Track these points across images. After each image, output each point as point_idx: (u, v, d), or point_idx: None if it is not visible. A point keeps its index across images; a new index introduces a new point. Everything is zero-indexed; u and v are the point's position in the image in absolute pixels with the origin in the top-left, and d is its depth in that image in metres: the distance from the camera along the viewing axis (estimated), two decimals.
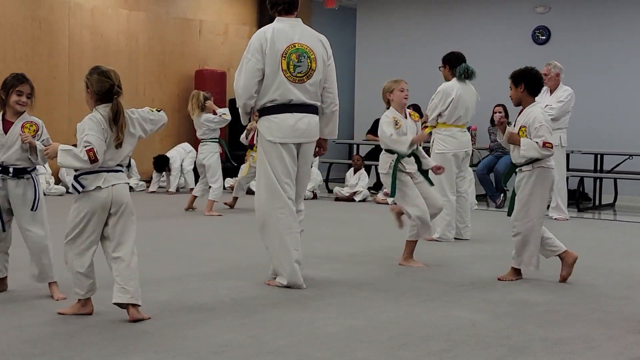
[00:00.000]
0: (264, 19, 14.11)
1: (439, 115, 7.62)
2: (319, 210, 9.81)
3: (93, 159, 4.21)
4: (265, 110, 5.31)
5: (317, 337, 4.10)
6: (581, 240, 8.00)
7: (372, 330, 4.26)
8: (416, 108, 12.65)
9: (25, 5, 11.23)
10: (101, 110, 4.33)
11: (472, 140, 10.26)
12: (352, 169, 11.90)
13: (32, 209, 4.83)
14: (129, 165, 11.91)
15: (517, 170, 5.65)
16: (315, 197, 11.33)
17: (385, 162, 6.23)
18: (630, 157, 10.77)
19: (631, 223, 9.50)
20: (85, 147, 4.21)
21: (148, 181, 12.46)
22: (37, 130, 4.88)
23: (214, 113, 9.28)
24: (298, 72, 5.30)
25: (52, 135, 4.92)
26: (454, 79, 7.66)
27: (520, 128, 5.59)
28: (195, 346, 3.89)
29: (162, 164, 12.04)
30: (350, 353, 3.84)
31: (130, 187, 11.62)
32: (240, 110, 5.42)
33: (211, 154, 9.36)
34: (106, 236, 4.40)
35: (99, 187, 4.31)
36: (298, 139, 5.29)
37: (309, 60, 5.37)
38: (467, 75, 7.63)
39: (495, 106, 11.51)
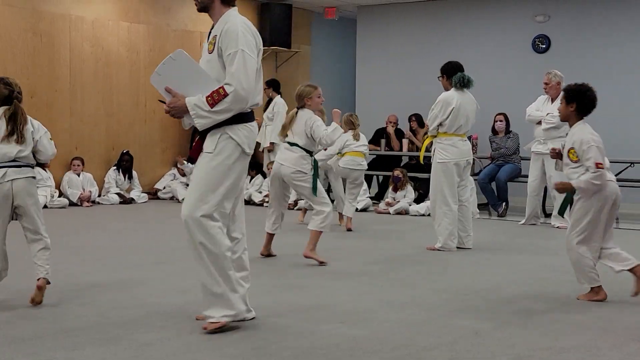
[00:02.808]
0: (263, 30, 14.15)
1: (440, 124, 7.64)
2: None
3: None
4: (244, 117, 4.40)
5: (320, 348, 4.09)
6: None
7: (376, 340, 4.25)
8: (418, 117, 12.69)
9: (26, 19, 11.26)
10: None
11: (473, 149, 10.29)
12: None
13: None
14: (130, 175, 11.92)
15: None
16: None
17: (307, 162, 6.77)
18: (632, 165, 10.76)
19: (634, 231, 9.49)
20: None
21: (151, 193, 12.46)
22: None
23: None
24: None
25: None
26: (453, 89, 7.68)
27: (569, 150, 5.37)
28: (199, 357, 3.88)
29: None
30: None
31: (132, 199, 11.86)
32: (225, 115, 4.28)
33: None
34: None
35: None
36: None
37: None
38: (463, 83, 7.66)
39: (497, 115, 11.53)
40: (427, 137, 7.91)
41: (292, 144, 6.85)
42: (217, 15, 4.52)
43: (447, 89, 7.75)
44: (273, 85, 12.63)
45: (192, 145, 4.48)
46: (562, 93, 5.54)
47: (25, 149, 4.97)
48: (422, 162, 8.46)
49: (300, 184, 6.78)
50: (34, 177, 5.03)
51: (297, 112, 6.92)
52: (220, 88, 4.22)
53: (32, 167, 5.04)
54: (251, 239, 8.07)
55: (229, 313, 4.32)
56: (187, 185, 12.22)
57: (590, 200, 5.27)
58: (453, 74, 7.68)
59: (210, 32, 4.51)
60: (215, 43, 4.37)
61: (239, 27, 4.37)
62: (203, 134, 4.37)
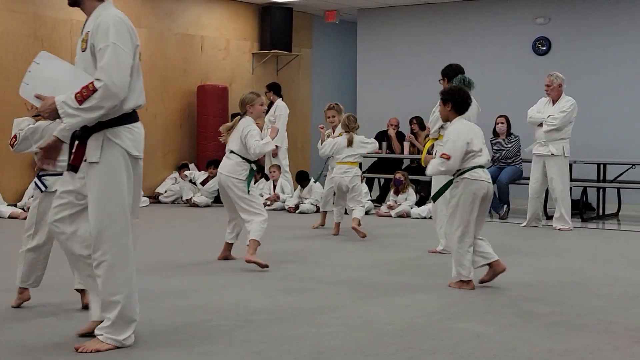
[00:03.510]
0: (264, 34, 14.17)
1: (441, 127, 7.63)
2: None
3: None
4: (127, 118, 4.15)
5: (322, 352, 4.09)
6: (585, 250, 7.99)
7: (378, 343, 4.25)
8: (419, 120, 12.69)
9: (27, 24, 11.28)
10: None
11: None
12: None
13: None
14: None
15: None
16: (318, 210, 11.31)
17: (244, 169, 6.67)
18: (633, 167, 10.76)
19: (635, 232, 9.48)
20: None
21: (152, 197, 12.47)
22: None
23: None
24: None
25: None
26: None
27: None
28: None
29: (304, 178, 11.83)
30: None
31: None
32: (96, 113, 3.92)
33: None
34: None
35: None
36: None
37: None
38: (464, 85, 7.64)
39: (498, 117, 11.53)
40: (428, 140, 7.90)
41: (230, 152, 6.76)
42: (89, 10, 4.20)
43: None
44: (274, 89, 12.63)
45: (72, 152, 4.09)
46: (440, 95, 6.12)
47: None
48: (423, 164, 8.40)
49: (236, 191, 6.61)
50: None
51: (239, 119, 6.83)
52: (89, 84, 3.89)
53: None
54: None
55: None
56: (194, 184, 12.25)
57: (461, 195, 5.77)
58: (454, 77, 7.67)
59: (82, 29, 4.17)
60: (87, 40, 4.04)
61: (111, 20, 4.05)
62: (83, 138, 4.03)
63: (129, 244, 4.07)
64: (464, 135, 5.79)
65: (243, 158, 6.70)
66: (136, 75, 4.13)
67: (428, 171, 6.02)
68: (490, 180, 5.92)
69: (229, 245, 7.02)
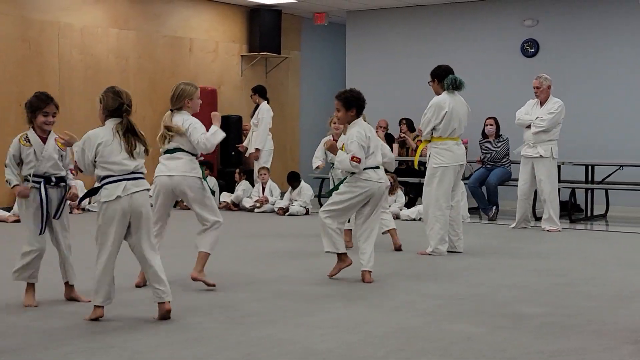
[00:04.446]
0: (253, 36, 14.16)
1: (433, 129, 7.64)
2: (311, 225, 9.79)
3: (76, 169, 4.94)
4: None
5: (313, 353, 4.09)
6: (574, 251, 8.02)
7: (369, 345, 4.25)
8: (408, 122, 12.72)
9: (15, 26, 11.23)
10: (108, 123, 4.84)
11: None
12: None
13: (56, 217, 5.24)
14: None
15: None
16: (307, 212, 11.32)
17: (197, 166, 5.85)
18: (621, 168, 10.81)
19: (623, 233, 9.52)
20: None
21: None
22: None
23: None
24: None
25: None
26: (444, 92, 7.68)
27: (344, 143, 6.24)
28: None
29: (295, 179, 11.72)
30: None
31: None
32: None
33: None
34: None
35: (118, 197, 4.67)
36: None
37: None
38: (455, 86, 7.65)
39: (487, 119, 11.57)
40: (421, 142, 7.88)
41: (174, 150, 5.83)
42: None
43: (438, 93, 7.74)
44: (259, 92, 12.60)
45: None
46: (340, 101, 6.21)
47: (141, 162, 4.87)
48: (416, 167, 8.39)
49: (195, 191, 5.78)
50: (148, 189, 4.87)
51: (172, 116, 5.95)
52: None
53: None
54: (241, 246, 8.08)
55: None
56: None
57: (353, 190, 6.13)
58: (444, 78, 7.68)
59: None
60: None
61: None
62: None
63: None
64: (361, 137, 6.12)
65: (193, 154, 5.86)
66: None
67: (341, 166, 6.22)
68: (382, 180, 6.21)
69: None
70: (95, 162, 4.75)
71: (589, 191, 11.21)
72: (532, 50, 12.74)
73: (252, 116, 12.46)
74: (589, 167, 11.08)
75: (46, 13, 11.51)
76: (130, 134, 4.80)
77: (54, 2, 11.60)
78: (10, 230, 9.23)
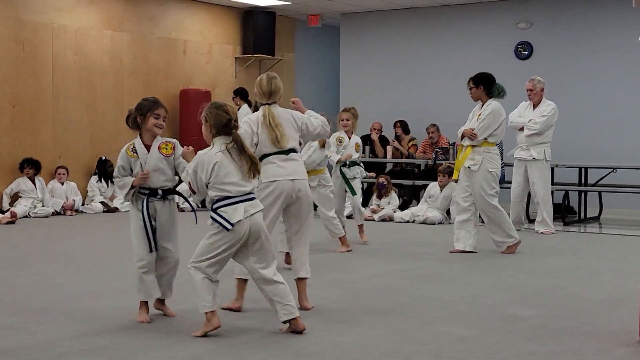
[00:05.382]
0: (247, 38, 14.16)
1: (490, 135, 7.67)
2: None
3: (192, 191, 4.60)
4: None
5: (305, 356, 4.08)
6: (567, 253, 8.03)
7: (361, 347, 4.25)
8: (403, 124, 12.72)
9: (9, 27, 11.20)
10: (217, 141, 4.55)
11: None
12: None
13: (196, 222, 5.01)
14: (112, 181, 11.84)
15: None
16: None
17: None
18: (614, 170, 10.83)
19: (617, 236, 9.55)
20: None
21: None
22: (174, 148, 5.02)
23: None
24: None
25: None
26: (492, 99, 7.70)
27: None
28: None
29: None
30: None
31: (116, 208, 11.84)
32: None
33: None
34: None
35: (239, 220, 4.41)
36: None
37: None
38: (504, 93, 7.76)
39: None
40: (467, 148, 7.71)
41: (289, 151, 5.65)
42: None
43: (478, 99, 7.77)
44: (240, 94, 12.60)
45: None
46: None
47: (256, 183, 4.67)
48: (455, 178, 8.00)
49: None
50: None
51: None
52: None
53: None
54: None
55: None
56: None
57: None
58: (492, 85, 7.70)
59: None
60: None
61: None
62: None
63: None
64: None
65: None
66: None
67: None
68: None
69: None
70: (208, 183, 4.52)
71: (583, 193, 11.23)
72: (526, 52, 12.77)
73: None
74: (583, 169, 11.10)
75: (40, 14, 11.49)
76: (242, 153, 4.54)
77: (48, 4, 11.58)
78: (2, 231, 9.20)
